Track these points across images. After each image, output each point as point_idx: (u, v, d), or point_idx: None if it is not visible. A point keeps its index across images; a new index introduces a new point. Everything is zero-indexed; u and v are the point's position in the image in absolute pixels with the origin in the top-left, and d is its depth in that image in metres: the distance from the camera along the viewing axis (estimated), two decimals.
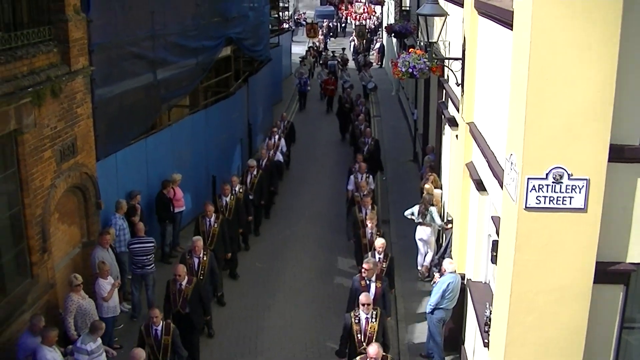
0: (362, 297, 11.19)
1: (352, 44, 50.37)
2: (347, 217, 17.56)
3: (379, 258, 13.22)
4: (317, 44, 49.48)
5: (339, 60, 41.60)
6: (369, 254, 13.61)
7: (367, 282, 12.15)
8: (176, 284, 12.34)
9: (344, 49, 46.75)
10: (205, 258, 13.49)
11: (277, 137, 22.76)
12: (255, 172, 18.75)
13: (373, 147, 22.00)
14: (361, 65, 40.75)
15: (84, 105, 12.90)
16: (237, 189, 16.97)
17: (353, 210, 16.43)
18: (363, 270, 12.22)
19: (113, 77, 14.56)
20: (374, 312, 11.08)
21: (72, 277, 11.77)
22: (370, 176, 19.25)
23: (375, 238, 14.11)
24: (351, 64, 44.67)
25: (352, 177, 19.04)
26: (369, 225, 14.92)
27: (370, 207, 16.17)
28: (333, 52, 43.51)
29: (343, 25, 66.59)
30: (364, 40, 48.76)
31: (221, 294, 14.90)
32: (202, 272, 13.34)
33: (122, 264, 13.71)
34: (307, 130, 29.65)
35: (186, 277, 12.42)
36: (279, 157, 21.90)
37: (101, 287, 12.28)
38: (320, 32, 52.25)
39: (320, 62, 42.78)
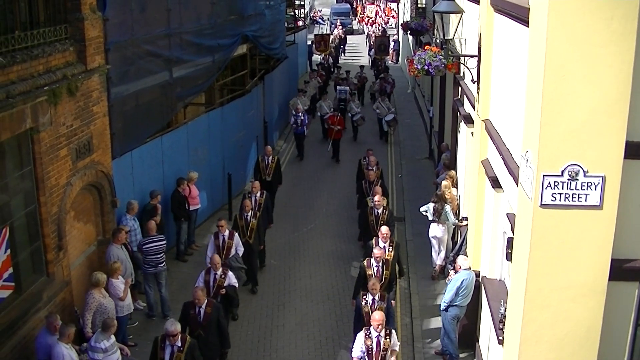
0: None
1: (371, 55, 43.72)
2: None
3: None
4: (328, 60, 39.17)
5: (354, 84, 32.07)
6: None
7: None
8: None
9: (362, 67, 36.21)
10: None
11: (226, 233, 14.32)
12: (179, 343, 10.54)
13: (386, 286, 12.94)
14: (374, 90, 32.05)
15: (100, 103, 12.95)
16: None
17: None
18: None
19: (129, 75, 14.63)
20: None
21: (98, 275, 11.85)
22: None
23: None
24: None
25: (359, 336, 10.85)
26: None
27: None
28: (347, 71, 33.30)
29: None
30: (384, 57, 40.04)
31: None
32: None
33: (135, 259, 13.75)
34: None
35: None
36: (231, 279, 13.13)
37: (116, 287, 12.30)
38: (330, 40, 41.20)
39: (332, 83, 32.83)
